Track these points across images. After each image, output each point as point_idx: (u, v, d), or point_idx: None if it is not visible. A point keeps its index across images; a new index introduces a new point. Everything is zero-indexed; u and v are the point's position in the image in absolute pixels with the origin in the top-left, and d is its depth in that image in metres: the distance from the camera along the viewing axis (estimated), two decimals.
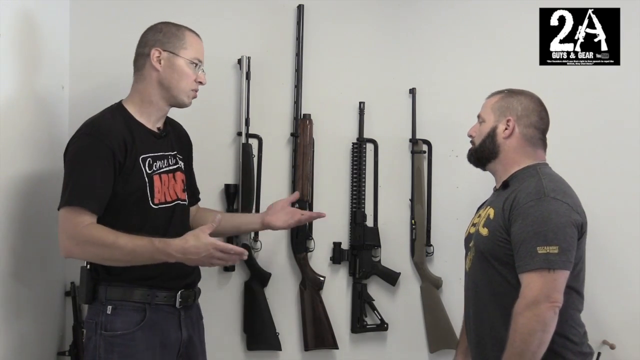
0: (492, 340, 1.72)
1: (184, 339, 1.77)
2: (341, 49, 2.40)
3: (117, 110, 1.76)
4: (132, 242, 1.61)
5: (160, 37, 1.75)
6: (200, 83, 1.80)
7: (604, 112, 2.42)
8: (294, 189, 2.32)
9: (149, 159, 1.73)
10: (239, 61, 2.30)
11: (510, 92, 1.82)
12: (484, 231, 1.74)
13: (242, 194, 2.27)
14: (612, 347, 2.33)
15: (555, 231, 1.60)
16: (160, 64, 1.74)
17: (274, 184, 2.35)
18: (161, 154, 1.78)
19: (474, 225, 1.85)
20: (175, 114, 1.90)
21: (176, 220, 1.78)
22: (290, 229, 2.29)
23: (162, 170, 1.76)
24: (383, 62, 2.42)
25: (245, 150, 2.28)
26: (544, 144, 1.81)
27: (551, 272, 1.58)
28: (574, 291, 1.68)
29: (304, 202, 2.32)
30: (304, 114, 2.34)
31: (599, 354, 1.75)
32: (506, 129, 1.77)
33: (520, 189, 1.69)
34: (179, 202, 1.81)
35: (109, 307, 1.68)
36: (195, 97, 1.82)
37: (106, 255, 1.63)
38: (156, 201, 1.72)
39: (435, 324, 2.38)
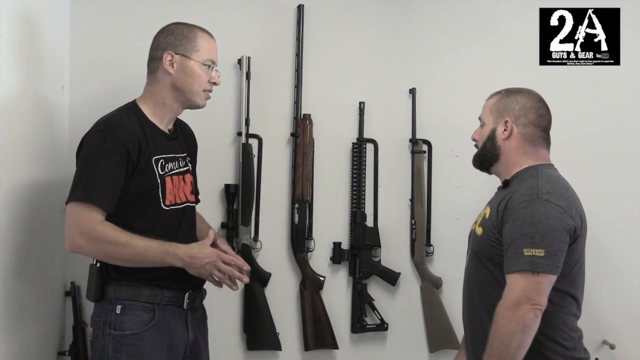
0: (482, 340, 1.71)
1: (190, 339, 1.77)
2: (341, 49, 2.40)
3: (132, 110, 1.76)
4: (143, 242, 1.62)
5: (172, 39, 1.74)
6: (215, 84, 1.80)
7: (604, 112, 2.42)
8: (294, 188, 2.33)
9: (161, 160, 1.74)
10: (239, 61, 2.30)
11: (508, 92, 1.80)
12: (479, 230, 1.74)
13: (242, 194, 2.27)
14: (612, 347, 2.33)
15: (544, 234, 1.57)
16: (173, 67, 1.74)
17: (274, 184, 2.35)
18: (172, 155, 1.78)
19: (475, 223, 1.85)
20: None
21: (185, 223, 1.78)
22: (290, 229, 2.32)
23: (173, 171, 1.77)
24: (383, 62, 2.42)
25: (245, 150, 2.28)
26: (546, 142, 1.77)
27: (535, 274, 1.55)
28: (569, 295, 1.66)
29: (304, 202, 2.32)
30: (304, 114, 2.34)
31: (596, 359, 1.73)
32: (505, 130, 1.75)
33: (517, 190, 1.67)
34: (188, 204, 1.81)
35: (119, 307, 1.68)
36: (209, 97, 1.82)
37: (117, 254, 1.63)
38: (167, 202, 1.73)
39: (435, 324, 2.38)
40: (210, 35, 1.81)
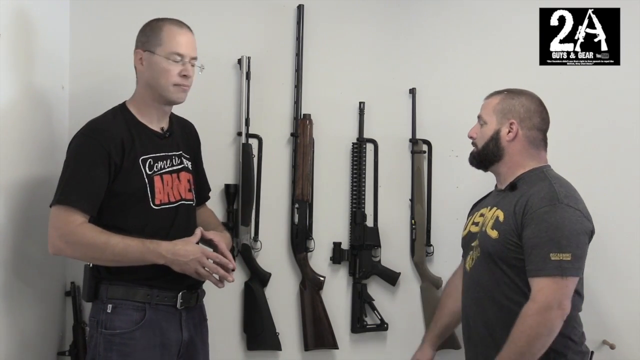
0: (493, 341, 1.72)
1: (185, 340, 1.77)
2: (341, 49, 2.40)
3: (120, 111, 1.77)
4: (123, 242, 1.63)
5: (141, 36, 1.76)
6: (185, 76, 1.73)
7: (604, 112, 2.42)
8: (294, 188, 2.32)
9: (149, 159, 1.73)
10: (239, 61, 2.30)
11: (511, 93, 1.81)
12: (494, 233, 1.74)
13: (242, 194, 2.27)
14: (612, 347, 2.33)
15: (569, 238, 1.61)
16: (142, 65, 1.74)
17: (274, 184, 2.35)
18: (164, 154, 1.78)
19: (475, 224, 1.84)
20: (175, 113, 1.90)
21: (180, 221, 1.78)
22: (290, 229, 2.33)
23: (164, 170, 1.76)
24: (383, 62, 2.42)
25: (245, 150, 2.28)
26: (545, 145, 1.81)
27: (564, 278, 1.60)
28: (576, 293, 1.69)
29: (304, 202, 2.32)
30: (304, 114, 2.34)
31: (592, 352, 1.76)
32: (509, 132, 1.77)
33: (532, 193, 1.69)
34: (183, 202, 1.80)
35: (109, 306, 1.68)
36: (184, 90, 1.76)
37: (97, 255, 1.64)
38: (157, 202, 1.72)
39: None
40: (182, 27, 1.76)
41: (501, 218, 1.74)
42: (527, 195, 1.69)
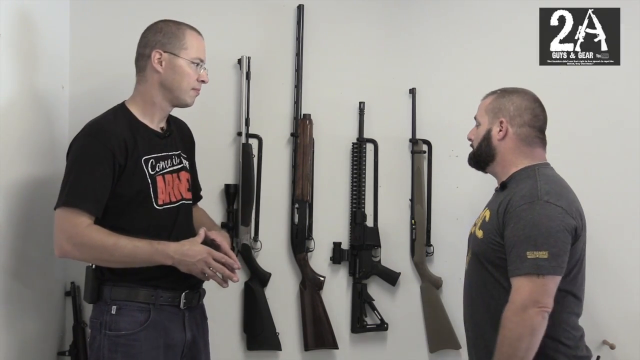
0: (483, 342, 1.72)
1: (188, 339, 1.77)
2: (341, 49, 2.40)
3: (120, 111, 1.76)
4: (131, 243, 1.63)
5: (160, 37, 1.74)
6: (203, 82, 1.79)
7: (604, 113, 2.42)
8: (294, 188, 2.33)
9: (151, 160, 1.73)
10: (239, 61, 2.30)
11: (503, 92, 1.80)
12: (479, 233, 1.74)
13: (242, 194, 2.27)
14: (612, 347, 2.33)
15: (546, 236, 1.58)
16: (161, 65, 1.73)
17: (274, 184, 2.35)
18: (165, 154, 1.78)
19: (474, 225, 1.85)
20: (175, 114, 1.90)
21: (181, 220, 1.78)
22: (290, 229, 2.32)
23: (165, 170, 1.76)
24: (383, 62, 2.42)
25: (245, 150, 2.28)
26: (542, 142, 1.78)
27: (540, 277, 1.57)
28: (570, 295, 1.66)
29: (304, 202, 2.32)
30: (304, 114, 2.34)
31: (598, 357, 1.74)
32: (500, 130, 1.75)
33: (515, 192, 1.67)
34: (183, 202, 1.81)
35: (114, 307, 1.68)
36: (197, 95, 1.81)
37: (105, 257, 1.64)
38: (160, 202, 1.72)
39: (435, 324, 2.38)
40: (199, 33, 1.80)
41: (487, 218, 1.74)
42: (511, 194, 1.68)
